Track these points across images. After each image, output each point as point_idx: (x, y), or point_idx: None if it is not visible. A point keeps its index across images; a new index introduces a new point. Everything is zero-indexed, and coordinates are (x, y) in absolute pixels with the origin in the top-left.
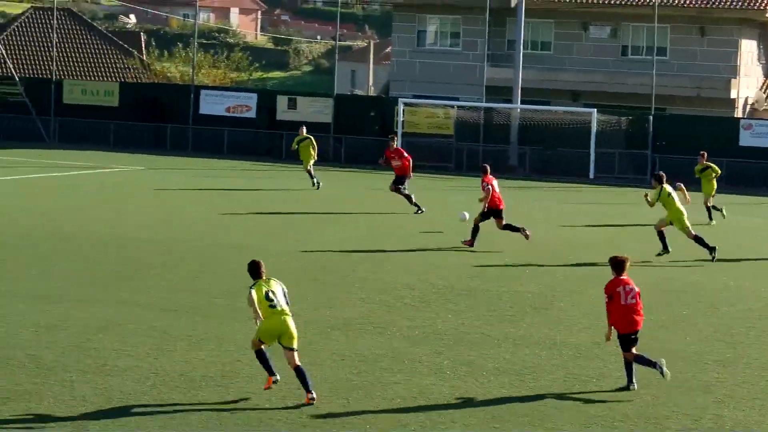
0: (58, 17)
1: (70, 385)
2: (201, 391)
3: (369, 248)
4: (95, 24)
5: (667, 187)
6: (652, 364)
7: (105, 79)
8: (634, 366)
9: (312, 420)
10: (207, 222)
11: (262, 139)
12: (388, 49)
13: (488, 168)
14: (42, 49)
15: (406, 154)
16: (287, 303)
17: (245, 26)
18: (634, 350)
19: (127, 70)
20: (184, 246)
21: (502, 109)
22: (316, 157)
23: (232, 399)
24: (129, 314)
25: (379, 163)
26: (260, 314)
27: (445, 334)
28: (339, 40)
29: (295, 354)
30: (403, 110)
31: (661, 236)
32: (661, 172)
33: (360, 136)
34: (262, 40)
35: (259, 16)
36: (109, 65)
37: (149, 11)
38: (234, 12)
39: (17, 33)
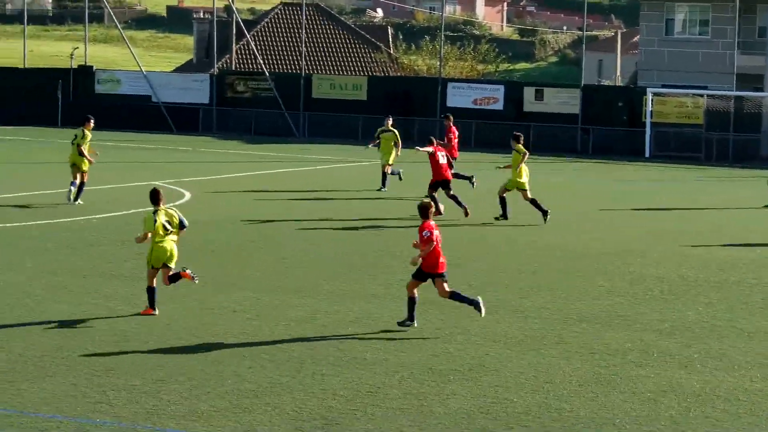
0: (307, 13)
1: (320, 378)
2: (449, 384)
3: (614, 240)
4: (343, 19)
5: None
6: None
7: (353, 73)
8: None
9: (560, 415)
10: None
11: (510, 131)
12: (636, 39)
13: (433, 140)
14: (291, 44)
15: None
16: (184, 225)
17: (491, 18)
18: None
19: (375, 64)
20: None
21: (754, 97)
22: (398, 154)
23: (480, 393)
24: (379, 308)
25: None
26: (149, 239)
27: (696, 326)
28: (585, 30)
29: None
30: (652, 100)
31: None
32: None
33: (608, 126)
34: (507, 31)
35: (505, 8)
36: (357, 59)
37: (395, 5)
38: (480, 3)
39: (267, 29)
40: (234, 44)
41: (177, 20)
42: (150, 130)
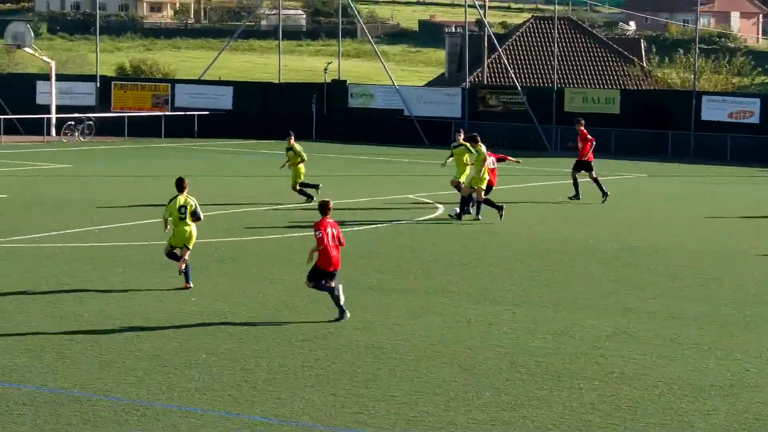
0: (559, 26)
1: (578, 392)
2: (709, 400)
3: None
4: (595, 32)
5: None
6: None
7: (605, 86)
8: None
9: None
10: (707, 227)
11: (767, 146)
12: None
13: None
14: (543, 58)
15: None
16: (198, 217)
17: (746, 30)
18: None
19: (627, 77)
20: (685, 253)
21: None
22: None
23: (742, 409)
24: (636, 322)
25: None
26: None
27: None
28: None
29: (187, 253)
30: None
31: None
32: None
33: None
34: (764, 43)
35: (761, 20)
36: (610, 73)
37: (648, 18)
38: (734, 16)
39: (519, 43)
40: (486, 58)
41: (428, 34)
42: (403, 143)
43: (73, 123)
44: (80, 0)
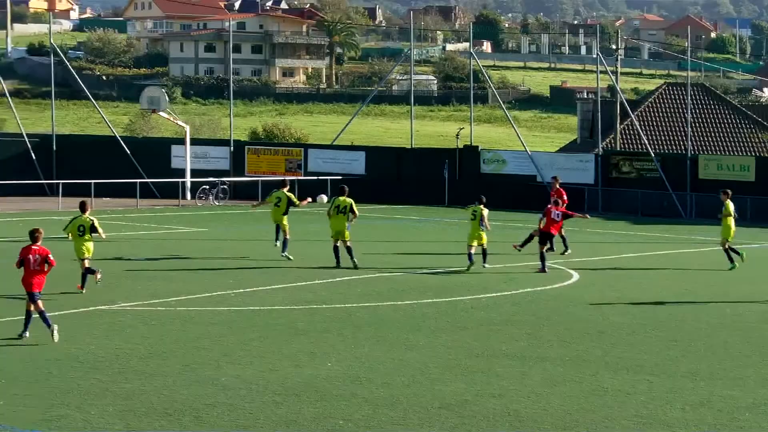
0: (692, 92)
1: None
2: None
3: None
4: (728, 98)
5: None
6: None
7: (740, 153)
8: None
9: None
10: None
11: None
12: None
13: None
14: (676, 124)
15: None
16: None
17: None
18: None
19: (762, 144)
20: None
21: None
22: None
23: None
24: None
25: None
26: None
27: None
28: None
29: (87, 262)
30: None
31: None
32: None
33: None
34: None
35: None
36: (744, 140)
37: None
38: None
39: (651, 109)
40: (618, 124)
41: (560, 100)
42: (535, 209)
43: (207, 187)
44: (214, 65)
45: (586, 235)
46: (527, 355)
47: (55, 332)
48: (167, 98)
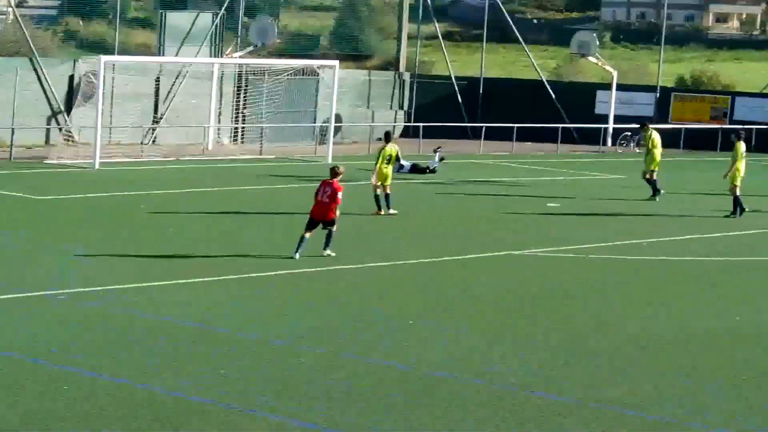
0: None
1: None
2: None
3: None
4: None
5: None
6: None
7: None
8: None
9: None
10: None
11: None
12: None
13: None
14: None
15: None
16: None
17: None
18: None
19: None
20: None
21: None
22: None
23: None
24: None
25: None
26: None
27: None
28: None
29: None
30: None
31: None
32: None
33: None
34: None
35: None
36: None
37: None
38: None
39: None
40: None
41: None
42: None
43: (629, 134)
44: (646, 10)
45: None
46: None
47: (328, 251)
48: (597, 42)
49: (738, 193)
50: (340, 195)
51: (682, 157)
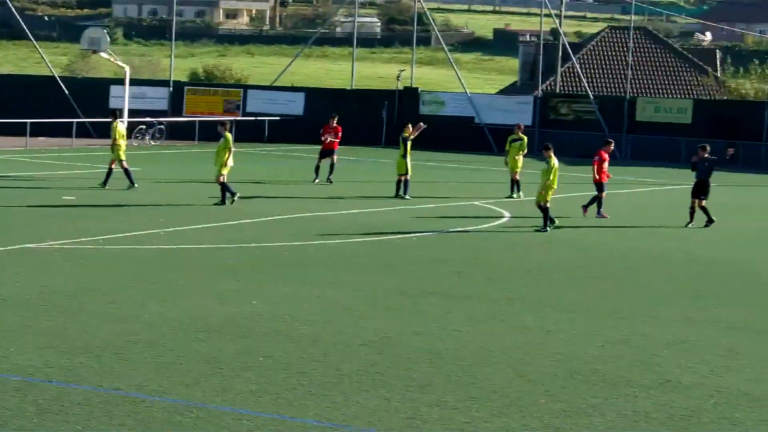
0: (634, 36)
1: (632, 400)
2: (766, 410)
3: None
4: (670, 42)
5: None
6: None
7: (678, 96)
8: None
9: None
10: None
11: None
12: None
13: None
14: (616, 67)
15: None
16: None
17: None
18: None
19: (701, 87)
20: (754, 264)
21: None
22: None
23: None
24: (696, 331)
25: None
26: None
27: None
28: None
29: None
30: None
31: None
32: None
33: None
34: None
35: None
36: (683, 83)
37: (725, 28)
38: None
39: (593, 52)
40: (559, 66)
41: (503, 43)
42: (472, 150)
43: (144, 127)
44: (157, 6)
45: (521, 176)
46: (452, 294)
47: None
48: (108, 39)
49: (224, 180)
50: None
51: (196, 149)
